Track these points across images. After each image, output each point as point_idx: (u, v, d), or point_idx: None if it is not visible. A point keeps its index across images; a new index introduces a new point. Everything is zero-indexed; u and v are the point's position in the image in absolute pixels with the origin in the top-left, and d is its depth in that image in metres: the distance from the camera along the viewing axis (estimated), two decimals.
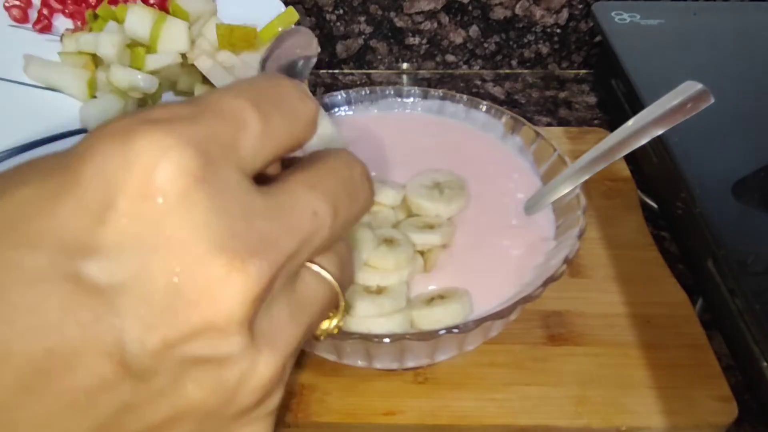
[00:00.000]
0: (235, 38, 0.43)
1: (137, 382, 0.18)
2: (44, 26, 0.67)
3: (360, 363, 0.42)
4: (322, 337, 0.25)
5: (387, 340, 0.37)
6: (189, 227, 0.18)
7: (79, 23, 0.66)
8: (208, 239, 0.18)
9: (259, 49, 0.44)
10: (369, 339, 0.37)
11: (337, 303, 0.24)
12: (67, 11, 0.67)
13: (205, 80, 0.48)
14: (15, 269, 0.17)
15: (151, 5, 0.58)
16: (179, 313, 0.18)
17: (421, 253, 0.44)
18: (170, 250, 0.18)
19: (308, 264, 0.22)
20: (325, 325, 0.24)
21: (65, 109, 0.57)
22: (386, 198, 0.46)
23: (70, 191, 0.18)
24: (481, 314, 0.39)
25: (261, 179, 0.21)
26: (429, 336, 0.37)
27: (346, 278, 0.24)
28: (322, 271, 0.22)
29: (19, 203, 0.18)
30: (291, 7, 0.45)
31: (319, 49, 0.35)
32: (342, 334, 0.38)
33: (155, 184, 0.18)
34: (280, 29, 0.45)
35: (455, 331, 0.37)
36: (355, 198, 0.23)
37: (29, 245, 0.18)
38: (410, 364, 0.42)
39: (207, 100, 0.20)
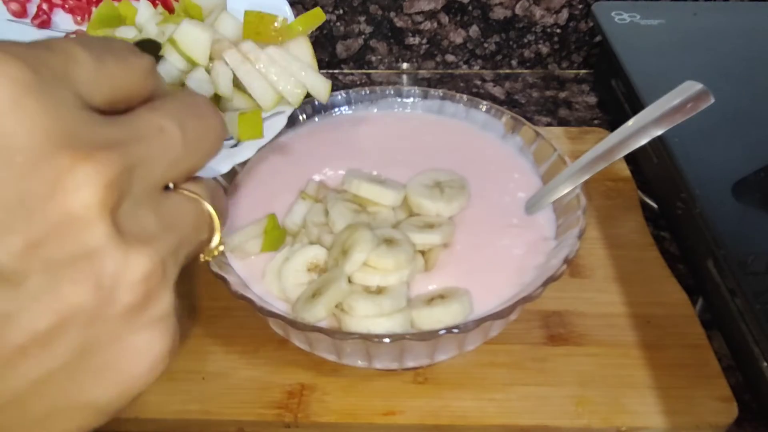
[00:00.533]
0: (263, 26, 0.41)
1: (9, 287, 0.19)
2: (43, 21, 0.66)
3: (360, 363, 0.42)
4: (207, 257, 0.26)
5: (387, 340, 0.37)
6: (26, 130, 0.18)
7: (79, 19, 0.66)
8: (48, 138, 0.19)
9: (284, 44, 0.42)
10: (369, 339, 0.37)
11: (211, 222, 0.25)
12: (67, 6, 0.67)
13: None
14: None
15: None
16: (35, 211, 0.19)
17: (422, 252, 0.44)
18: (11, 152, 0.18)
19: (174, 187, 0.24)
20: (209, 245, 0.26)
21: None
22: (386, 199, 0.46)
23: None
24: (481, 314, 0.39)
25: None
26: (429, 336, 0.37)
27: (218, 204, 0.26)
28: (187, 192, 0.24)
29: None
30: (318, 8, 0.43)
31: None
32: (342, 334, 0.38)
33: None
34: (300, 29, 0.43)
35: (455, 331, 0.37)
36: (201, 117, 0.24)
37: None
38: (410, 364, 0.42)
39: (38, 41, 0.21)
